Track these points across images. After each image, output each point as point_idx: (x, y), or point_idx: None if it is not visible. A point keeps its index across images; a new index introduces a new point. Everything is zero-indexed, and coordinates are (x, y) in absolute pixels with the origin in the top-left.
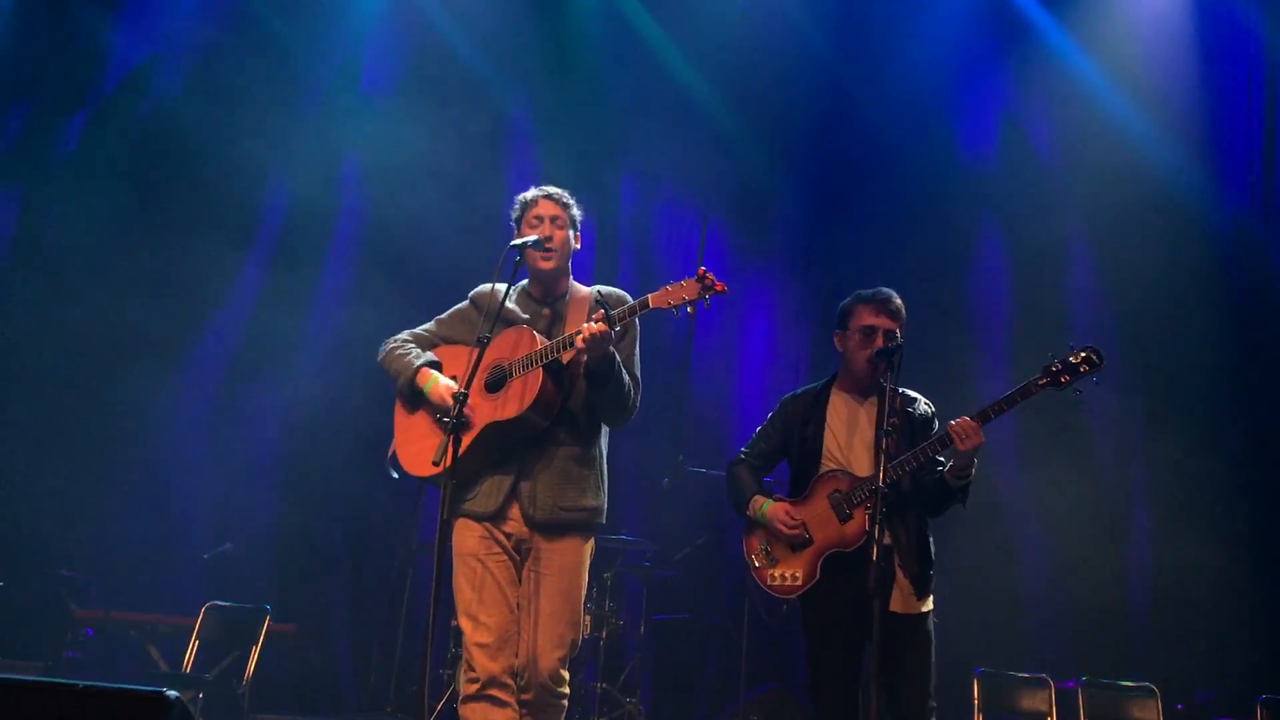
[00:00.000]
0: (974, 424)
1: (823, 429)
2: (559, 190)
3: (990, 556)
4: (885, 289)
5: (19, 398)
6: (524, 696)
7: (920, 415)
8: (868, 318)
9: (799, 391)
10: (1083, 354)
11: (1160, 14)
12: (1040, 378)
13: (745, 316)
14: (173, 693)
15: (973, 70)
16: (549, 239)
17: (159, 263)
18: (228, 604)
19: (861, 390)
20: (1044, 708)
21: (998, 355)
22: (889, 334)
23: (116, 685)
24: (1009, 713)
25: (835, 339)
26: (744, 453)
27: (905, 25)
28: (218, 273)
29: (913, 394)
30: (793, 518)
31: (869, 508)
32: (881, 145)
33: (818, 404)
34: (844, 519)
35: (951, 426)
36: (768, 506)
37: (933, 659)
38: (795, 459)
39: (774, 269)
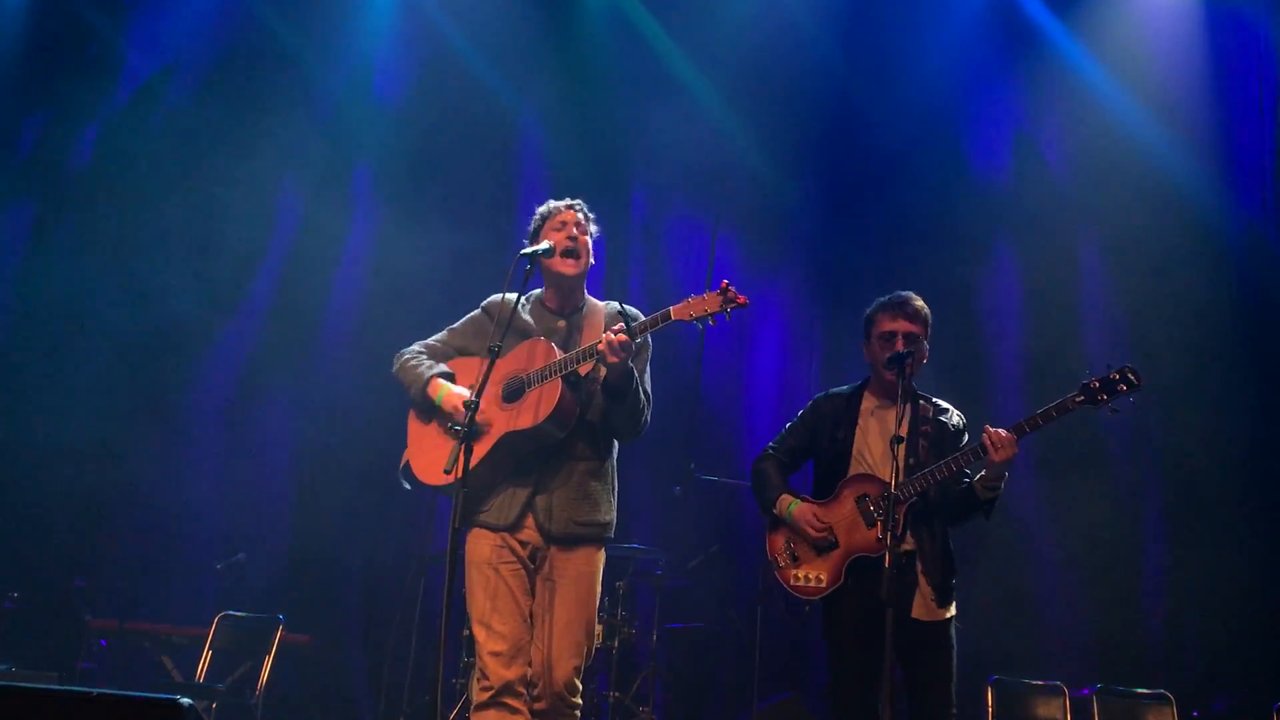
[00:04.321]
0: (1010, 436)
1: (854, 432)
2: (580, 202)
3: (1005, 564)
4: (903, 292)
5: (32, 408)
6: (537, 706)
7: (953, 426)
8: (886, 323)
9: (832, 392)
10: (1120, 374)
11: (1171, 24)
12: (1078, 395)
13: (756, 327)
14: (186, 700)
15: (984, 82)
16: (573, 239)
17: (171, 272)
18: (241, 614)
19: (891, 396)
20: (1059, 715)
21: (1011, 370)
22: (909, 336)
23: (131, 693)
24: None
25: (864, 350)
26: (772, 448)
27: (916, 37)
28: (230, 284)
29: (944, 404)
30: (821, 520)
31: (883, 514)
32: (893, 158)
33: (850, 407)
34: (870, 524)
35: (988, 434)
36: (795, 507)
37: (955, 666)
38: (824, 460)
39: (784, 281)
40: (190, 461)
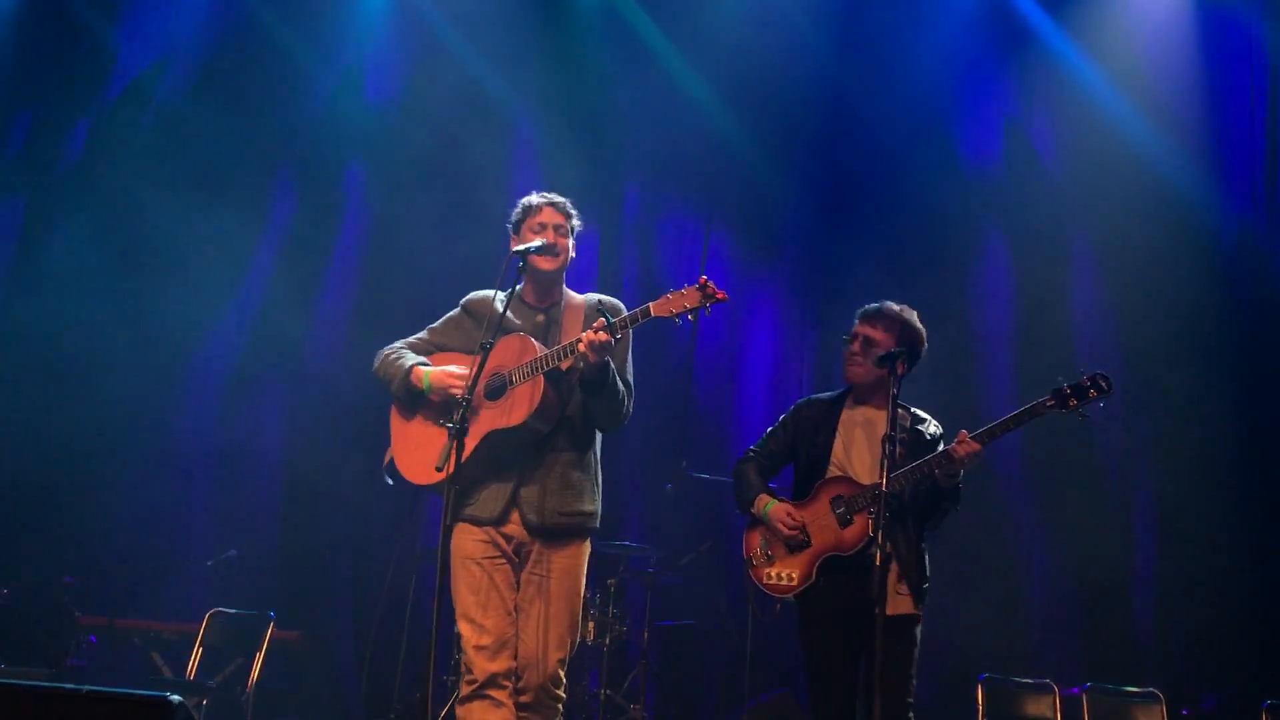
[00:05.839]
0: (976, 447)
1: (833, 437)
2: (562, 199)
3: (995, 563)
4: (890, 305)
5: (23, 405)
6: (522, 699)
7: (930, 436)
8: (854, 327)
9: (814, 398)
10: (1091, 379)
11: (1162, 19)
12: (1048, 400)
13: (748, 323)
14: (176, 697)
15: (976, 77)
16: (552, 245)
17: (161, 269)
18: (232, 611)
19: (874, 406)
20: (1049, 714)
21: (1001, 363)
22: (867, 341)
23: (120, 690)
24: (1014, 719)
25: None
26: (753, 451)
27: (908, 32)
28: (220, 280)
29: (923, 414)
30: (794, 518)
31: (871, 514)
32: (885, 153)
33: (831, 413)
34: (844, 524)
35: (954, 451)
36: (771, 506)
37: (915, 660)
38: (802, 464)
39: (777, 276)
40: (181, 458)
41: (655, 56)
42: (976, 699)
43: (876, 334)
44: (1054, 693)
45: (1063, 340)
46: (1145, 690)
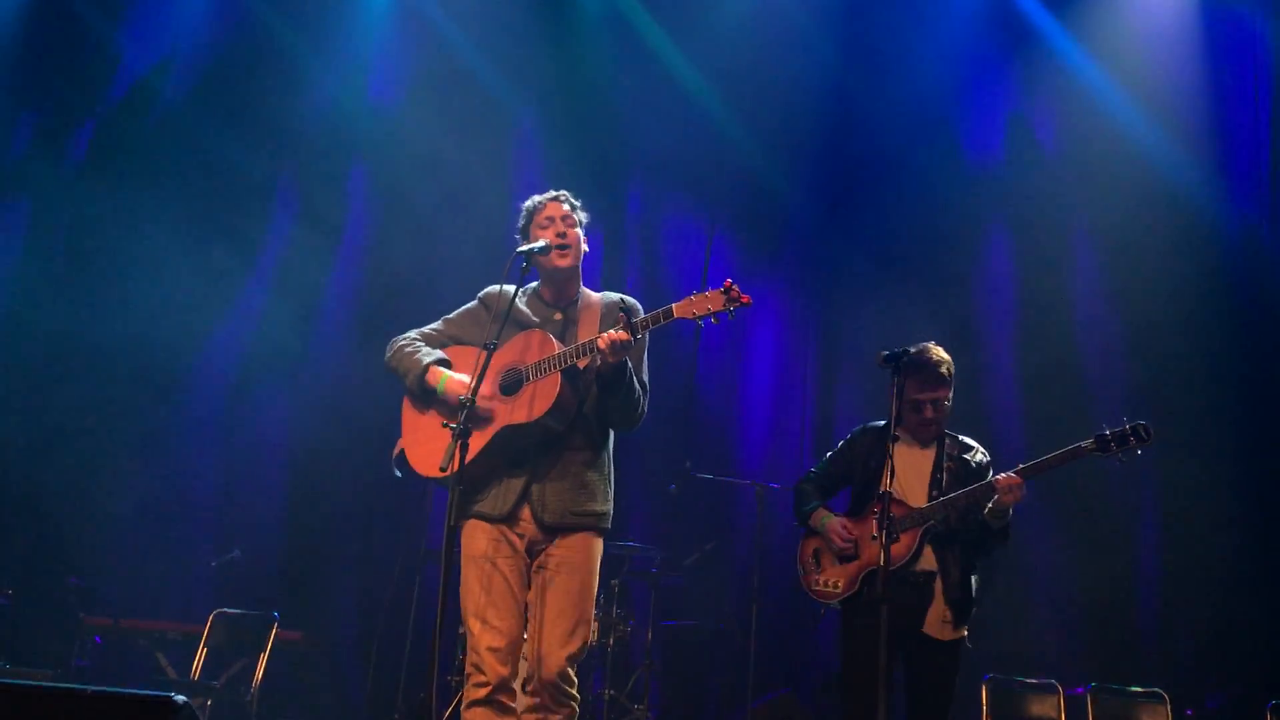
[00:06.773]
0: (1019, 480)
1: (885, 461)
2: (564, 192)
3: (998, 563)
4: (931, 359)
5: (27, 405)
6: (535, 699)
7: (976, 463)
8: (913, 392)
9: (869, 425)
10: (1133, 429)
11: (1166, 18)
12: (1091, 444)
13: (752, 322)
14: (180, 697)
15: (979, 75)
16: (563, 235)
17: (166, 270)
18: (236, 611)
19: (918, 437)
20: (1053, 714)
21: (1003, 362)
22: (935, 403)
23: (125, 690)
24: (1018, 719)
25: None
26: (813, 473)
27: (911, 31)
28: (226, 279)
29: (970, 442)
30: (849, 531)
31: (879, 515)
32: (889, 151)
33: (882, 439)
34: (891, 540)
35: (998, 482)
36: (828, 519)
37: (955, 685)
38: (858, 484)
39: (781, 276)
40: (185, 459)
41: (657, 56)
42: (981, 699)
43: (941, 394)
44: (1058, 693)
45: (1065, 339)
46: (1150, 690)
